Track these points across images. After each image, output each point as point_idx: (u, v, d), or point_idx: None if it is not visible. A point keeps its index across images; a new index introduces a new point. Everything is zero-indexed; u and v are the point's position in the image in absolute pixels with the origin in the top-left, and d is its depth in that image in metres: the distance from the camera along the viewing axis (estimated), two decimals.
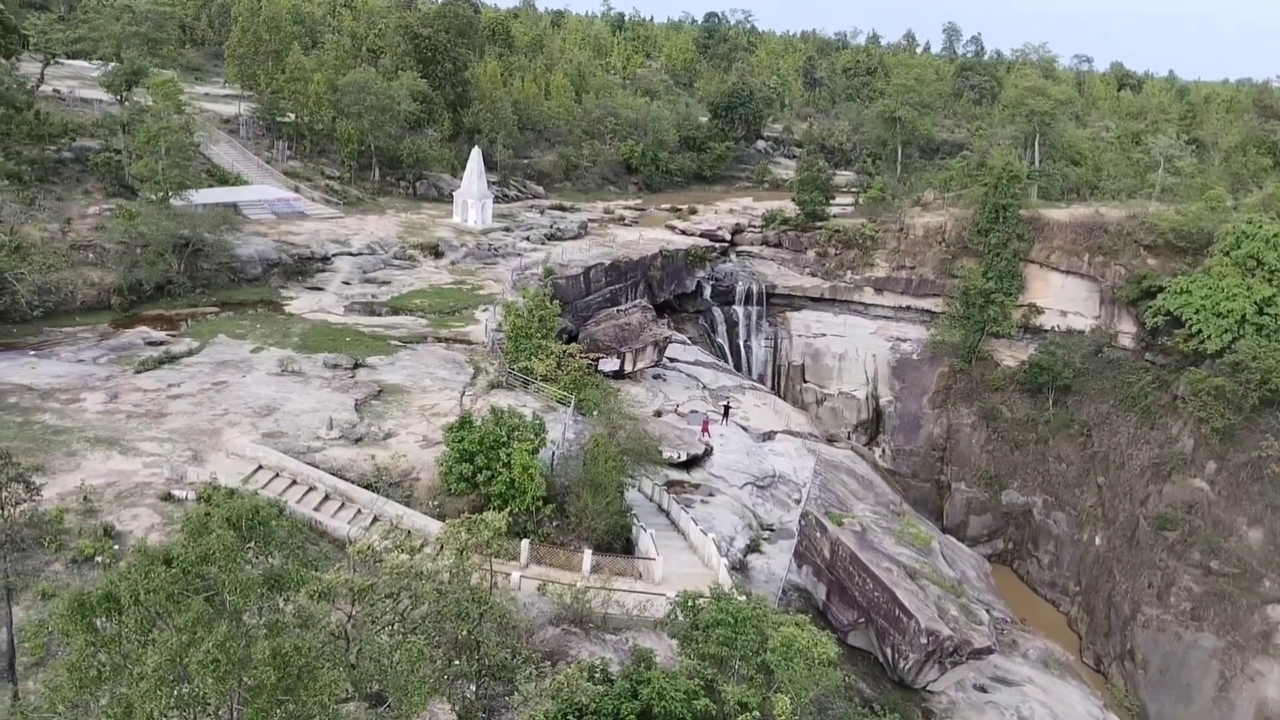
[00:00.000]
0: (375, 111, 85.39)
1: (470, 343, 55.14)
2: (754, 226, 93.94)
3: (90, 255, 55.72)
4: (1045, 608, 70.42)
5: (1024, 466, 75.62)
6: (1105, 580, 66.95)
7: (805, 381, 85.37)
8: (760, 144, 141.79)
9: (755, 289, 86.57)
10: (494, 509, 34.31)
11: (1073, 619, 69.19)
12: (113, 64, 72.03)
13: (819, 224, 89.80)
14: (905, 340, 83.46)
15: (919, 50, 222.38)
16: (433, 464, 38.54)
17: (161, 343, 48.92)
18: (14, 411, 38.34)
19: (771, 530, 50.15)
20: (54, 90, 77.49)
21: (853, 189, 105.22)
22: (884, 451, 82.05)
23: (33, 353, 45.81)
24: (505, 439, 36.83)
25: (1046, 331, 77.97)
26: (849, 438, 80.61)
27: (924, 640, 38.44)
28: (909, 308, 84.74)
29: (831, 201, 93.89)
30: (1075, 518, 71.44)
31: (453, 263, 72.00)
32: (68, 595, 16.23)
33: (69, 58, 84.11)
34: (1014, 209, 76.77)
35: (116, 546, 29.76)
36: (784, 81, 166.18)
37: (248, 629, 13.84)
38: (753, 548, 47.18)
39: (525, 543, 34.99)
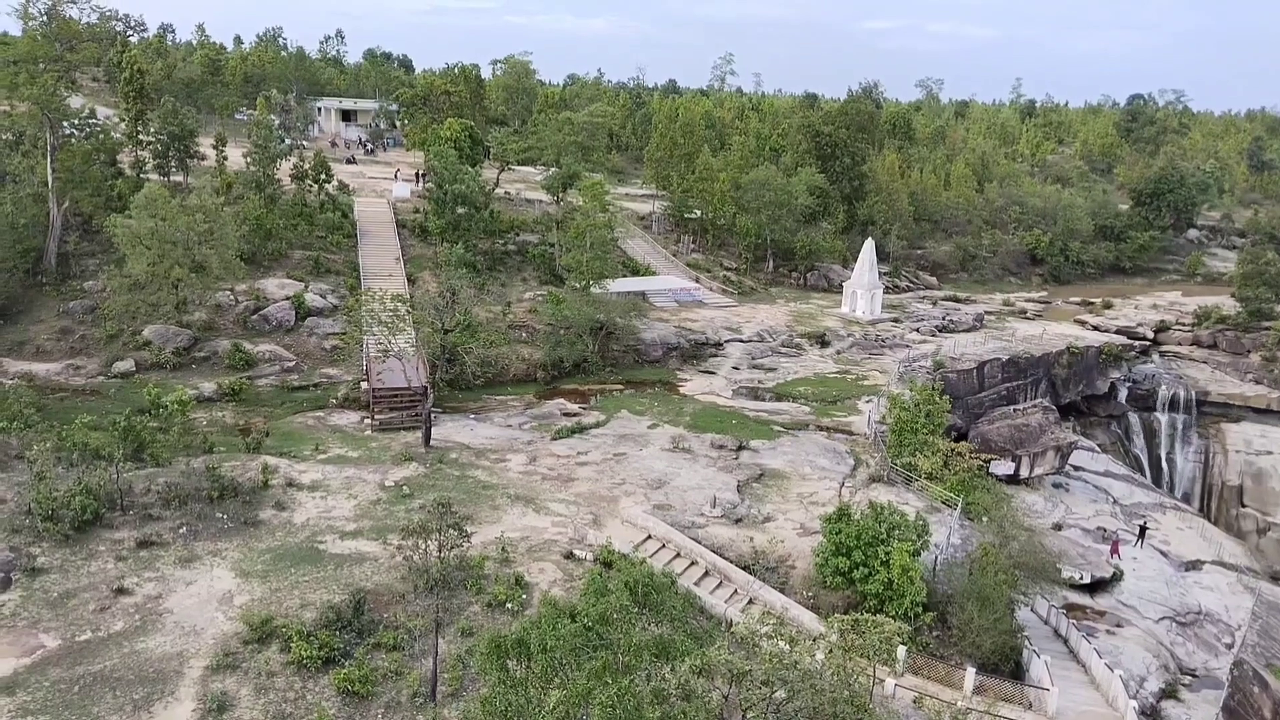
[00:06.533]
0: (773, 207, 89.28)
1: (852, 433, 54.48)
2: (1182, 324, 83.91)
3: (523, 334, 63.70)
4: None
5: None
6: None
7: (1243, 506, 73.15)
8: (1192, 233, 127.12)
9: (1182, 395, 76.64)
10: (869, 609, 33.18)
11: None
12: (553, 169, 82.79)
13: (1266, 324, 78.13)
14: None
15: None
16: (808, 553, 38.21)
17: (574, 414, 54.16)
18: (454, 466, 44.35)
19: (1193, 676, 43.19)
20: (505, 192, 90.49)
21: None
22: None
23: (472, 417, 53.00)
24: (884, 536, 35.58)
25: None
26: None
27: None
28: None
29: None
30: None
31: (838, 352, 72.11)
32: (487, 636, 18.19)
33: (519, 164, 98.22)
34: None
35: (524, 596, 32.90)
36: (1223, 165, 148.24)
37: (637, 691, 14.47)
38: (1168, 693, 40.82)
39: (902, 649, 33.23)
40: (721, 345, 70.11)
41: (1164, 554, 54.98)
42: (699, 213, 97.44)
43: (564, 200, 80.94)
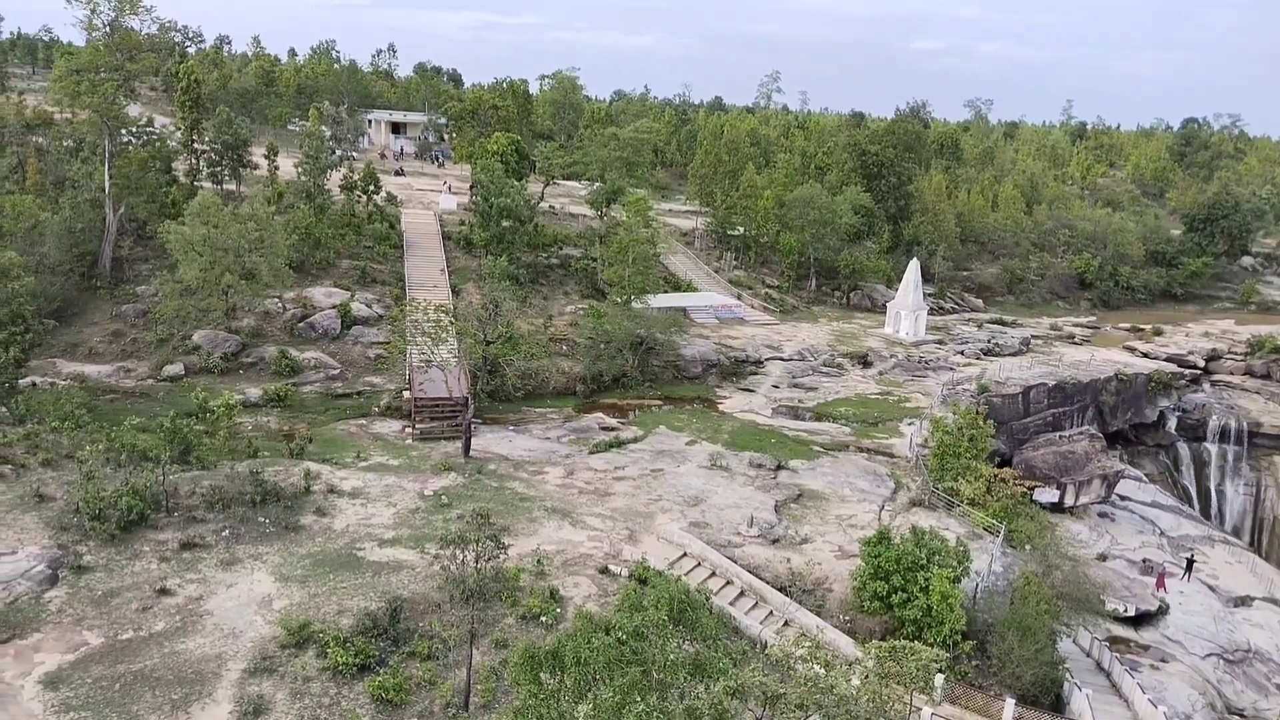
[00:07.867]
0: (817, 225, 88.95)
1: (892, 456, 53.89)
2: (1235, 353, 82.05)
3: (564, 347, 63.90)
4: None
5: None
6: None
7: None
8: (1246, 260, 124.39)
9: (1234, 425, 74.82)
10: (907, 635, 32.69)
11: None
12: (597, 184, 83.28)
13: None
14: None
15: None
16: (846, 576, 37.78)
17: (612, 429, 54.17)
18: (492, 477, 44.56)
19: (1241, 716, 41.89)
20: (549, 206, 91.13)
21: None
22: None
23: (511, 428, 53.22)
24: (924, 562, 35.08)
25: None
26: None
27: None
28: None
29: None
30: None
31: (880, 373, 71.45)
32: (520, 647, 18.18)
33: (564, 179, 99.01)
34: None
35: (559, 610, 32.89)
36: None
37: (669, 708, 14.36)
38: None
39: (940, 678, 32.67)
40: (762, 363, 69.76)
41: (1212, 588, 53.51)
42: (742, 230, 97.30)
43: (607, 215, 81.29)
